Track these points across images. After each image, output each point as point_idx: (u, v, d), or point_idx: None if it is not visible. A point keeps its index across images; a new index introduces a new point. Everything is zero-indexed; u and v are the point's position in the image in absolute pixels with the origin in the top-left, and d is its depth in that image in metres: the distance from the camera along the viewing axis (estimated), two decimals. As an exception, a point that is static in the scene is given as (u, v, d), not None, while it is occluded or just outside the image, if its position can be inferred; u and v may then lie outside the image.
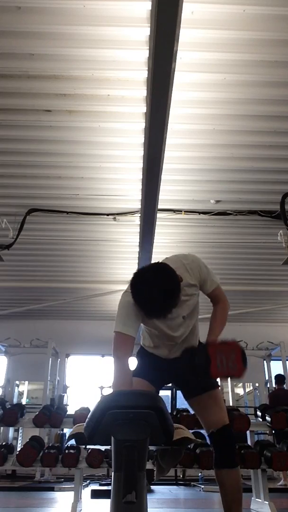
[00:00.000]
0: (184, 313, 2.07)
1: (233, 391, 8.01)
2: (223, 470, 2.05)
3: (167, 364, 2.21)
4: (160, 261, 1.99)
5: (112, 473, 1.42)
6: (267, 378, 8.55)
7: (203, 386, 2.14)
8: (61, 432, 6.99)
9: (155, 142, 3.50)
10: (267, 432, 4.70)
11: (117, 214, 5.22)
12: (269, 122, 3.83)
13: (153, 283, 1.79)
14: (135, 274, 1.88)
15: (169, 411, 1.52)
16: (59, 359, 8.95)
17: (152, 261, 5.72)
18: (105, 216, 5.25)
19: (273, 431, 4.50)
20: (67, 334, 8.86)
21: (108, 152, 4.19)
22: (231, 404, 7.42)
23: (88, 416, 1.45)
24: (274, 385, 7.65)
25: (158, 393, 2.24)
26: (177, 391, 9.53)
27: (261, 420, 4.43)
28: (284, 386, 7.42)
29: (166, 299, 1.78)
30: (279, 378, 7.43)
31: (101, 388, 8.45)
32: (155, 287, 1.77)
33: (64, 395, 8.53)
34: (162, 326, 2.05)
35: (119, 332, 1.91)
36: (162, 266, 1.89)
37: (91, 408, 1.47)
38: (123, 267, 6.67)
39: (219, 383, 2.27)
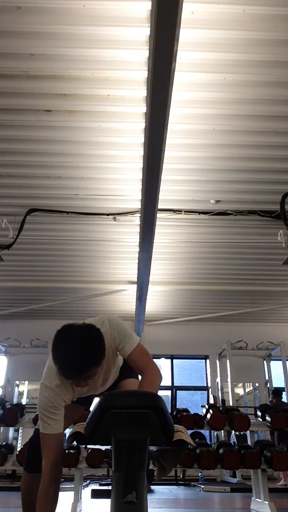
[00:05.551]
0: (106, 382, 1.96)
1: (233, 391, 7.99)
2: None
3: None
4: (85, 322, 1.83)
5: (112, 473, 1.42)
6: (267, 378, 8.54)
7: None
8: (61, 432, 6.98)
9: (155, 142, 3.49)
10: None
11: (117, 214, 5.22)
12: (269, 122, 3.84)
13: (79, 340, 1.63)
14: (58, 331, 1.72)
15: (169, 411, 1.52)
16: (59, 359, 8.92)
17: (152, 261, 5.80)
18: (105, 216, 5.25)
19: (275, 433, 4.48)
20: (67, 334, 8.83)
21: (108, 152, 4.19)
22: (231, 404, 7.41)
23: (88, 416, 1.45)
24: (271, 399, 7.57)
25: (88, 408, 2.13)
26: (177, 391, 9.54)
27: (261, 420, 4.43)
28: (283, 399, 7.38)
29: (88, 356, 1.61)
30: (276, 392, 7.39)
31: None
32: (80, 343, 1.62)
33: (64, 395, 8.51)
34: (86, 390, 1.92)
35: (43, 433, 1.78)
36: (89, 327, 1.75)
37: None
38: (123, 267, 6.67)
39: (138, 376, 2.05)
